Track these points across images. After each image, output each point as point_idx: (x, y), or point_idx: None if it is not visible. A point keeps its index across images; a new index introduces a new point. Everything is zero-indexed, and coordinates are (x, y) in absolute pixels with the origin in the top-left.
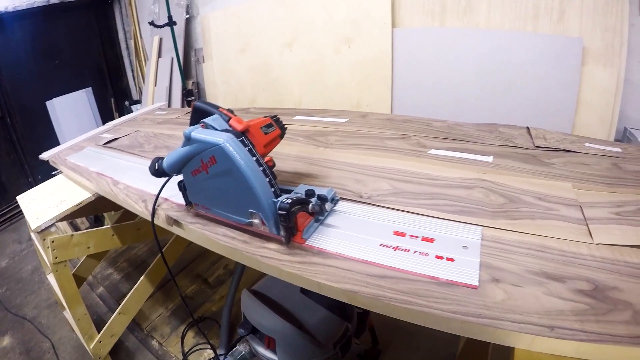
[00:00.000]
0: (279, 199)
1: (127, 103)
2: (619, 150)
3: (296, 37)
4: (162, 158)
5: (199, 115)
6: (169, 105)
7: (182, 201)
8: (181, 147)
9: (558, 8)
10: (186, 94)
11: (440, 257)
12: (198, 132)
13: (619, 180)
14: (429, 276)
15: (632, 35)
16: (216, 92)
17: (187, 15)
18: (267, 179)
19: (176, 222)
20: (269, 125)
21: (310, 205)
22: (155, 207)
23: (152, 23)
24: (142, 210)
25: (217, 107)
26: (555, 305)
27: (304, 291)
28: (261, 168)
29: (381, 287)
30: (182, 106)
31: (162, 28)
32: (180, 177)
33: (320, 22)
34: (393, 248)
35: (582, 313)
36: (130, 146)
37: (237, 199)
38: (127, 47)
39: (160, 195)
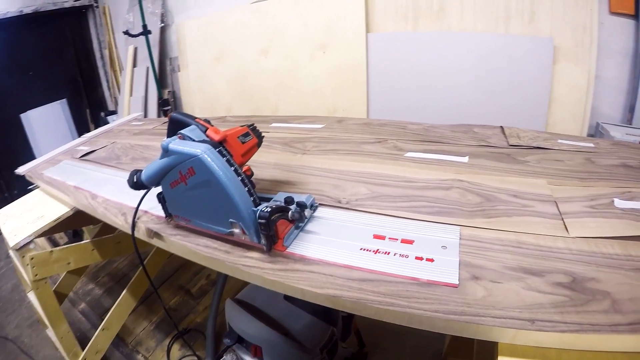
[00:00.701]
0: (258, 207)
1: (102, 114)
2: (591, 145)
3: (271, 44)
4: (141, 170)
5: (175, 127)
6: (145, 115)
7: (162, 213)
8: (159, 160)
9: (529, 9)
10: (162, 103)
11: (420, 258)
12: (175, 144)
13: (591, 174)
14: (410, 277)
15: (601, 33)
16: (192, 101)
17: (162, 24)
18: (246, 188)
19: (157, 235)
20: (246, 134)
21: (290, 212)
22: (135, 220)
23: (126, 32)
24: (121, 223)
25: (193, 118)
26: (535, 299)
27: (287, 298)
28: (240, 177)
29: (363, 291)
30: (159, 116)
31: (137, 37)
32: (159, 189)
33: (294, 28)
34: (373, 251)
35: (561, 305)
36: (107, 158)
37: (217, 209)
38: (102, 57)
39: (140, 207)
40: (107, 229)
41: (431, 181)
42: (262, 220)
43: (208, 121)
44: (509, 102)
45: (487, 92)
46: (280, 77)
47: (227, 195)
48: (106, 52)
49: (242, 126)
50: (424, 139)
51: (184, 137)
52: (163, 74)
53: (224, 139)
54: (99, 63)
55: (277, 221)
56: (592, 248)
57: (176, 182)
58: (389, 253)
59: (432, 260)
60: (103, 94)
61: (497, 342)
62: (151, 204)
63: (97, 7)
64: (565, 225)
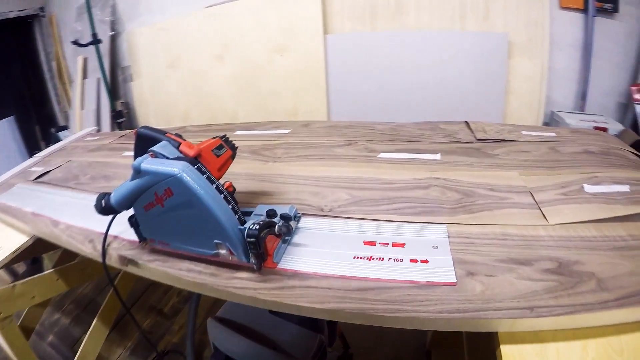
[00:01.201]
0: (245, 225)
1: (53, 130)
2: (553, 134)
3: (227, 49)
4: (109, 194)
5: (144, 143)
6: (99, 129)
7: (134, 237)
8: (130, 181)
9: (483, 6)
10: (115, 115)
11: (415, 261)
12: (148, 163)
13: (558, 162)
14: (409, 281)
15: (553, 27)
16: (147, 111)
17: (113, 32)
18: (230, 206)
19: (131, 262)
20: (220, 147)
21: (277, 227)
22: (105, 247)
23: (75, 42)
24: (90, 251)
25: (163, 133)
26: (529, 287)
27: (272, 310)
28: (222, 195)
29: (366, 300)
30: (112, 129)
31: (87, 47)
32: (130, 212)
33: (251, 32)
34: (367, 259)
35: (553, 290)
36: (64, 179)
37: (199, 231)
38: (50, 70)
39: (109, 232)
40: (68, 254)
41: (409, 181)
42: (252, 239)
43: (179, 135)
44: (468, 97)
45: (446, 87)
46: (238, 83)
47: (211, 216)
48: (54, 64)
49: (213, 138)
50: (394, 138)
51: (156, 155)
52: (115, 84)
53: (199, 153)
54: (47, 76)
55: (265, 238)
56: (571, 233)
57: (151, 205)
58: (383, 259)
59: (426, 261)
60: (53, 109)
61: (497, 332)
62: (121, 227)
63: (43, 16)
64: (543, 214)
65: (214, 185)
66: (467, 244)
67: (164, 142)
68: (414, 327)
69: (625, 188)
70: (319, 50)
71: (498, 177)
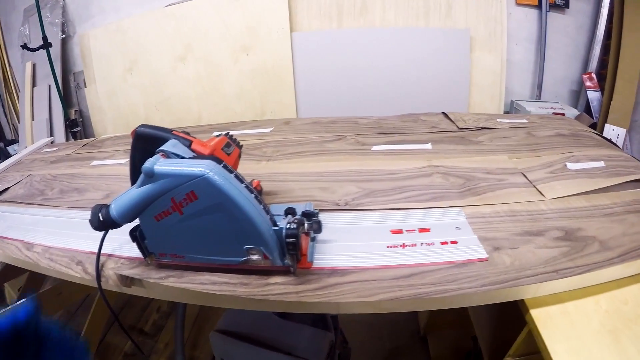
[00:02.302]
0: (279, 225)
1: (1, 145)
2: (525, 121)
3: (190, 49)
4: (107, 205)
5: (145, 144)
6: (53, 140)
7: (130, 254)
8: (137, 188)
9: (445, 3)
10: (70, 124)
11: (445, 243)
12: (164, 165)
13: (537, 145)
14: (446, 262)
15: (510, 22)
16: (104, 118)
17: (63, 35)
18: (262, 206)
19: (136, 282)
20: (228, 145)
21: (307, 224)
22: (100, 268)
23: (25, 46)
24: (80, 276)
25: (168, 130)
26: (549, 254)
27: (281, 314)
28: (253, 195)
29: (414, 286)
30: (67, 139)
31: (36, 52)
32: (131, 225)
33: (215, 32)
34: (400, 246)
35: (568, 254)
36: (28, 195)
37: (228, 237)
38: None
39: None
40: (34, 280)
41: (410, 170)
42: (292, 239)
43: (187, 133)
44: (435, 90)
45: (413, 82)
46: (202, 84)
47: (246, 219)
48: None
49: (218, 135)
50: (380, 131)
51: (167, 155)
52: (67, 91)
53: (212, 152)
54: None
55: (300, 237)
56: (567, 205)
57: (165, 213)
58: (415, 245)
59: (455, 242)
60: None
61: (523, 300)
62: (114, 244)
63: None
64: (539, 191)
65: (243, 185)
66: (484, 223)
67: (173, 141)
68: (461, 304)
69: (601, 164)
70: (286, 49)
71: (490, 161)
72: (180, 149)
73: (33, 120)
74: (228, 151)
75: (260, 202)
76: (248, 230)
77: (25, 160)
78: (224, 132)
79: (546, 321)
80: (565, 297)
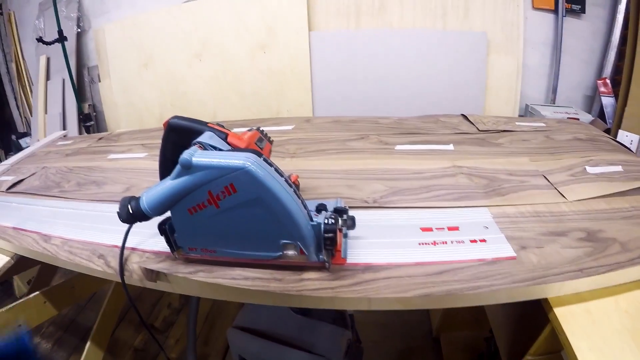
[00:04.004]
0: (316, 220)
1: (14, 137)
2: (543, 124)
3: (206, 46)
4: (136, 198)
5: (179, 137)
6: (67, 134)
7: (155, 248)
8: (172, 179)
9: (463, 6)
10: (83, 119)
11: (475, 241)
12: (202, 156)
13: (557, 149)
14: (477, 259)
15: (526, 26)
16: (117, 114)
17: (79, 30)
18: (300, 200)
19: (161, 276)
20: (260, 140)
21: (342, 220)
22: (123, 262)
23: (40, 40)
24: (102, 268)
25: (203, 123)
26: (573, 254)
27: (300, 311)
28: (292, 189)
29: (447, 282)
30: (80, 133)
31: (50, 46)
32: (159, 219)
33: (232, 29)
34: (432, 243)
35: (591, 254)
36: (44, 187)
37: (264, 232)
38: (8, 72)
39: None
40: (46, 272)
41: (435, 170)
42: (330, 234)
43: (221, 125)
44: (450, 92)
45: (430, 84)
46: (218, 81)
47: (286, 213)
48: (12, 66)
49: (250, 130)
50: (402, 131)
51: (204, 147)
52: (81, 85)
53: (248, 146)
54: (5, 78)
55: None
56: (588, 207)
57: (200, 206)
58: (446, 242)
59: (484, 240)
60: (11, 114)
61: (547, 298)
62: (138, 237)
63: (0, 14)
64: (560, 193)
65: (283, 179)
66: (509, 223)
67: (209, 133)
68: (493, 301)
69: (619, 168)
70: (304, 48)
71: (512, 163)
72: (217, 142)
73: (46, 113)
74: (261, 145)
75: (299, 196)
76: (287, 225)
77: (39, 152)
78: (255, 127)
79: (569, 319)
80: (586, 296)
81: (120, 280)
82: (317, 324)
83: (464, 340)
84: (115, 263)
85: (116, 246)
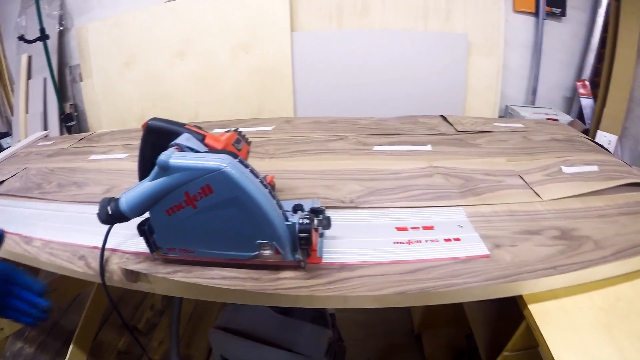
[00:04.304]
0: (291, 220)
1: None
2: (521, 125)
3: (188, 45)
4: (115, 199)
5: (157, 138)
6: (48, 134)
7: (135, 248)
8: (151, 181)
9: (445, 8)
10: (65, 118)
11: (449, 240)
12: (179, 158)
13: (534, 149)
14: (451, 258)
15: (507, 29)
16: (99, 113)
17: (61, 28)
18: (275, 201)
19: (141, 277)
20: (238, 141)
21: (317, 220)
22: (104, 263)
23: (22, 38)
24: (82, 270)
25: (181, 125)
26: (546, 252)
27: (281, 310)
28: (267, 190)
29: (421, 281)
30: (61, 133)
31: (32, 44)
32: (138, 220)
33: (214, 28)
34: (406, 242)
35: (565, 252)
36: (25, 189)
37: (240, 231)
38: None
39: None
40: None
41: (412, 170)
42: (305, 234)
43: (199, 127)
44: (431, 93)
45: (411, 84)
46: (200, 81)
47: (261, 214)
48: None
49: (228, 131)
50: (380, 132)
51: (181, 149)
52: (63, 85)
53: (225, 148)
54: None
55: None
56: (562, 206)
57: (178, 207)
58: (420, 241)
59: (458, 239)
60: None
61: (522, 295)
62: (118, 239)
63: None
64: (536, 192)
65: (258, 180)
66: (484, 222)
67: (186, 135)
68: (469, 299)
69: (594, 168)
70: (286, 48)
71: (488, 164)
72: (194, 143)
73: (27, 113)
74: (238, 147)
75: (274, 197)
76: (262, 225)
77: (20, 153)
78: (233, 128)
79: (543, 315)
80: (561, 293)
81: (101, 282)
82: (298, 323)
83: (445, 338)
84: (95, 264)
85: (97, 247)
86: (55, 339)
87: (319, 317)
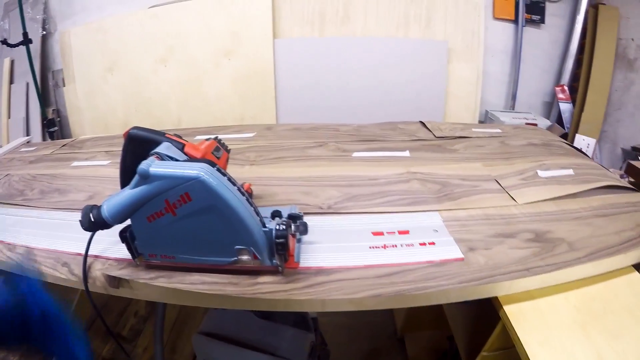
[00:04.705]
0: (268, 226)
1: None
2: (499, 130)
3: (171, 51)
4: (97, 206)
5: (137, 147)
6: (30, 140)
7: (117, 255)
8: (131, 188)
9: (425, 15)
10: (47, 124)
11: (424, 244)
12: (159, 167)
13: (511, 154)
14: (425, 261)
15: (487, 36)
16: (81, 119)
17: (44, 32)
18: (252, 208)
19: (123, 282)
20: (218, 149)
21: (295, 226)
22: (87, 269)
23: (4, 42)
24: (66, 276)
25: (161, 133)
26: (520, 254)
27: (263, 315)
28: (245, 197)
29: (396, 284)
30: (44, 139)
31: (15, 48)
32: (120, 226)
33: (197, 35)
34: (382, 247)
35: (539, 254)
36: (7, 195)
37: (219, 237)
38: None
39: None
40: None
41: (390, 176)
42: (281, 240)
43: (179, 136)
44: (412, 99)
45: (392, 91)
46: (182, 87)
47: (239, 220)
48: None
49: (208, 139)
50: (360, 138)
51: (161, 157)
52: (45, 90)
53: (204, 156)
54: None
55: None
56: (537, 210)
57: (158, 214)
58: (395, 246)
59: (433, 243)
60: None
61: (497, 297)
62: (101, 245)
63: None
64: (511, 196)
65: (236, 187)
66: (459, 226)
67: (166, 144)
68: (444, 301)
69: (570, 171)
70: (268, 55)
71: (465, 169)
72: (174, 152)
73: (9, 118)
74: (218, 155)
75: (251, 204)
76: (240, 231)
77: (2, 159)
78: (213, 136)
79: (519, 316)
80: (536, 294)
81: (84, 288)
82: (280, 328)
83: (428, 340)
84: (78, 271)
85: (80, 254)
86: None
87: (301, 321)
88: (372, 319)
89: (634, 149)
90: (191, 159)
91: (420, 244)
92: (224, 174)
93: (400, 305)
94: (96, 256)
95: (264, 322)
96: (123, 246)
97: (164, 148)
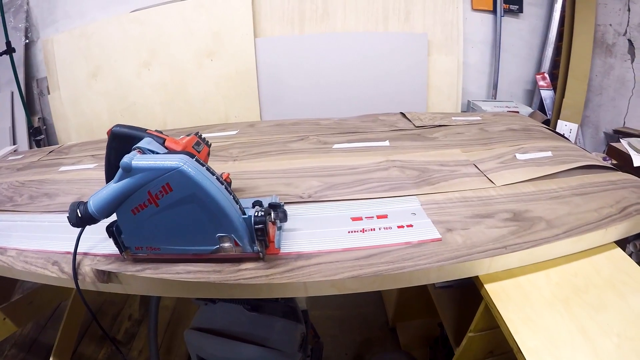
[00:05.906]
0: (248, 214)
1: None
2: (479, 118)
3: (154, 55)
4: (84, 202)
5: (121, 144)
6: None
7: (105, 251)
8: (115, 183)
9: (404, 9)
10: (34, 132)
11: (402, 226)
12: (140, 160)
13: (489, 139)
14: (403, 243)
15: (466, 27)
16: (68, 126)
17: (27, 40)
18: (232, 196)
19: (113, 277)
20: (198, 143)
21: (274, 213)
22: (76, 266)
23: None
24: (56, 275)
25: (142, 130)
26: (498, 233)
27: (252, 308)
28: (223, 186)
29: (374, 265)
30: (30, 147)
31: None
32: (107, 222)
33: (180, 37)
34: (360, 231)
35: (516, 232)
36: None
37: (201, 226)
38: None
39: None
40: (4, 288)
41: (370, 165)
42: (260, 226)
43: (160, 131)
44: (394, 91)
45: (374, 84)
46: (166, 90)
47: (218, 208)
48: None
49: (189, 135)
50: (341, 131)
51: (143, 152)
52: (30, 98)
53: (184, 149)
54: None
55: (268, 224)
56: (515, 190)
57: (142, 206)
58: (374, 229)
59: (411, 225)
60: None
61: (478, 276)
62: (89, 243)
63: None
64: (489, 179)
65: (214, 177)
66: (437, 209)
67: (148, 139)
68: (419, 282)
69: (548, 154)
70: (250, 54)
71: (444, 155)
72: (155, 146)
73: None
74: (198, 149)
75: (230, 192)
76: (220, 218)
77: None
78: (194, 132)
79: (501, 294)
80: (517, 272)
81: (74, 285)
82: (270, 320)
83: (419, 328)
84: (68, 268)
85: (69, 252)
86: (35, 356)
87: (290, 312)
88: (363, 311)
89: (615, 132)
90: (171, 151)
91: (399, 227)
92: (203, 165)
93: (382, 287)
94: (85, 253)
95: (254, 315)
96: (111, 242)
97: (145, 143)
